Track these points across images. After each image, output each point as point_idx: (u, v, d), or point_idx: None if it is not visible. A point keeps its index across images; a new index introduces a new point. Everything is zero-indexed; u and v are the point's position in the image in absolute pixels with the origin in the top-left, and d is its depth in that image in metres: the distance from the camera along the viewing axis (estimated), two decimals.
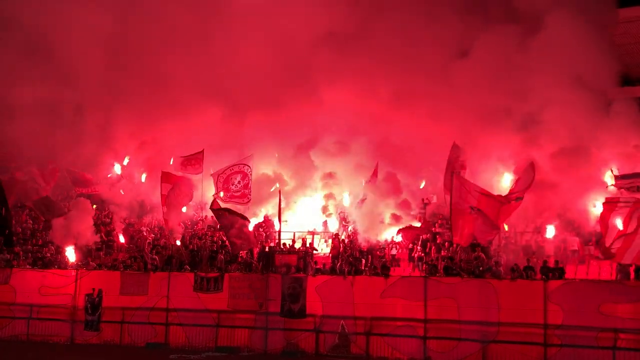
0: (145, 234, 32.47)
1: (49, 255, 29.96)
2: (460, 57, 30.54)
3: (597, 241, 26.30)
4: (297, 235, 31.74)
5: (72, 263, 29.04)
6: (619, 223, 22.66)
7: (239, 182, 32.76)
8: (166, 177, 30.70)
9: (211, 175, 33.31)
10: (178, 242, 30.22)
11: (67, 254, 29.43)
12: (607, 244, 22.54)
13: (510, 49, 29.10)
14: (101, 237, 31.79)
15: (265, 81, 32.87)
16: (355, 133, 34.12)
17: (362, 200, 31.51)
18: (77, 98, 33.66)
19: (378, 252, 27.42)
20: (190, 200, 32.21)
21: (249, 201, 32.56)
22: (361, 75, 32.51)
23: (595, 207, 27.38)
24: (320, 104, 33.19)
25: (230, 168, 32.73)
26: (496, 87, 29.04)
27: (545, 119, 27.79)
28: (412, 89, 31.49)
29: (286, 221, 31.58)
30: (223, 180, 32.74)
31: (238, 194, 32.57)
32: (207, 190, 33.93)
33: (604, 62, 27.80)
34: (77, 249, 29.91)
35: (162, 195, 30.12)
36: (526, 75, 28.48)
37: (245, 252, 28.09)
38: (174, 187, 30.46)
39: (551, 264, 24.20)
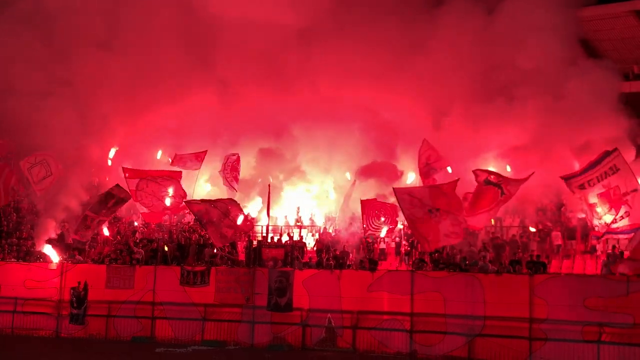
0: (138, 224, 32.29)
1: (33, 249, 29.66)
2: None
3: (582, 236, 26.57)
4: (283, 228, 31.75)
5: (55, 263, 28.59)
6: None
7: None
8: (132, 173, 30.98)
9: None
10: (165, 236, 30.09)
11: (45, 250, 29.00)
12: None
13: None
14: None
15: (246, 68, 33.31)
16: (340, 122, 34.17)
17: (353, 184, 31.50)
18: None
19: (366, 247, 27.41)
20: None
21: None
22: (340, 62, 32.66)
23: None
24: (300, 93, 33.35)
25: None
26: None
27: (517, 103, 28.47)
28: (391, 71, 31.81)
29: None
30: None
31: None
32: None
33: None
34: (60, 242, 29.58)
35: (131, 190, 30.01)
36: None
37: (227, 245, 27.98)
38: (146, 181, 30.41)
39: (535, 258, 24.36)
